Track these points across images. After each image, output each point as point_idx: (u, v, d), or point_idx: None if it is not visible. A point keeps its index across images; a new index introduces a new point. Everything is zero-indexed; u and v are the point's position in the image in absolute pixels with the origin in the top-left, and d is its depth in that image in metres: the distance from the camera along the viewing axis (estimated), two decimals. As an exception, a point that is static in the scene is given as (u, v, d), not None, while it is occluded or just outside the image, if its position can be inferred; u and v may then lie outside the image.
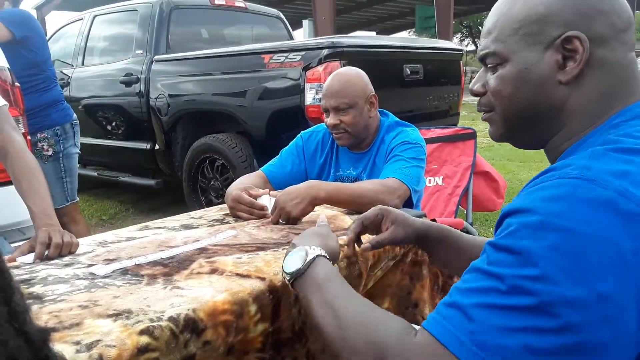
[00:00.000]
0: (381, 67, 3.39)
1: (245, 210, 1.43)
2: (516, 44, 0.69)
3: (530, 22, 0.68)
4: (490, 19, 0.73)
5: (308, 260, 0.78)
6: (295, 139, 1.83)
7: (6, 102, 1.42)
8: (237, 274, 0.96)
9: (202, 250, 1.14)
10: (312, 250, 0.80)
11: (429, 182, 2.30)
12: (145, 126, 4.06)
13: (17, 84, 1.79)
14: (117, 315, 0.79)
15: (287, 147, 1.83)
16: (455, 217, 2.26)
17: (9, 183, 1.75)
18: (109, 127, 4.40)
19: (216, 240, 1.22)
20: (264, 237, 1.23)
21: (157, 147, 4.06)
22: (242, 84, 3.44)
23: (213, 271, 0.99)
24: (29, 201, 1.27)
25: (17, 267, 1.08)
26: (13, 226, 1.80)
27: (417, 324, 1.04)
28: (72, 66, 4.76)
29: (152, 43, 4.06)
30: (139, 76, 4.03)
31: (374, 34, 22.84)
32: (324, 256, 0.81)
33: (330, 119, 1.65)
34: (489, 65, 0.74)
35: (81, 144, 4.52)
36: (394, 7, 18.13)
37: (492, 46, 0.72)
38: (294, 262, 0.80)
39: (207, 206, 3.82)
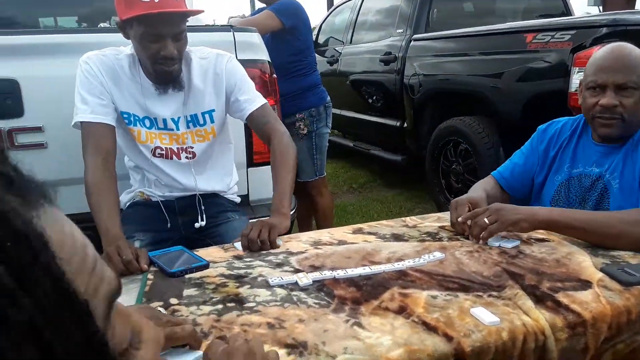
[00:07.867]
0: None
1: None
2: None
3: None
4: None
5: None
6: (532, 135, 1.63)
7: (266, 100, 1.63)
8: (424, 322, 0.88)
9: (401, 275, 1.08)
10: None
11: None
12: (397, 104, 4.13)
13: (274, 75, 1.99)
14: (293, 347, 0.81)
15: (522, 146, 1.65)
16: None
17: (265, 164, 1.99)
18: (367, 103, 4.65)
19: (420, 262, 1.15)
20: (472, 270, 1.10)
21: (405, 125, 4.10)
22: (498, 65, 3.15)
23: (401, 310, 0.92)
24: (274, 184, 1.49)
25: (239, 258, 1.22)
26: (261, 202, 2.05)
27: None
28: (343, 43, 5.13)
29: (412, 22, 4.06)
30: (397, 55, 4.08)
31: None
32: None
33: (607, 98, 1.35)
34: None
35: (343, 116, 4.92)
36: None
37: None
38: None
39: (447, 189, 3.73)
